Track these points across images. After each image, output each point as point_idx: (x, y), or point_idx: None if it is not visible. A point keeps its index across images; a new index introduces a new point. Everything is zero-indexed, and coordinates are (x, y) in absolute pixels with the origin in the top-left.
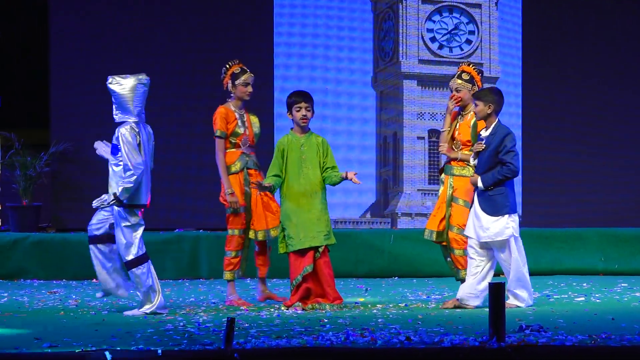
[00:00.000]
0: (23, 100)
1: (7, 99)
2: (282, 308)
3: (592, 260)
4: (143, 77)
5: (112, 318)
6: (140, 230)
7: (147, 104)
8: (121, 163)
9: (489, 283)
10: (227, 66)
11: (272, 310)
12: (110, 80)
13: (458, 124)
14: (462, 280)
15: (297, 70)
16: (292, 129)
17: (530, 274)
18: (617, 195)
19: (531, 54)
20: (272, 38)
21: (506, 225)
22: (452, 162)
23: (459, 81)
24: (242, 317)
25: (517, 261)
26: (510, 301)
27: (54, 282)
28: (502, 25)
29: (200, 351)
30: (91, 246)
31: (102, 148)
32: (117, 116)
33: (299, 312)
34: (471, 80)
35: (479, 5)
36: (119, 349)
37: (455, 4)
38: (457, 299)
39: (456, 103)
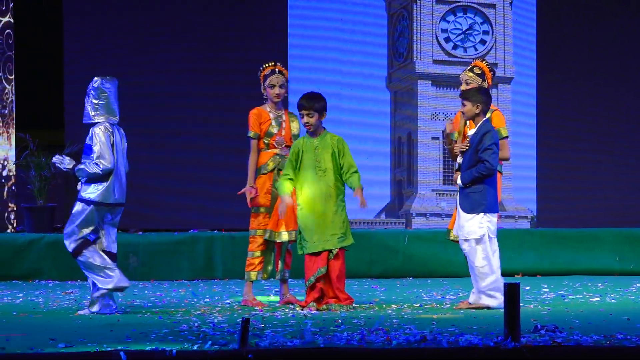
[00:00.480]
0: (38, 101)
1: (22, 100)
2: (297, 309)
3: (607, 260)
4: (115, 79)
5: (126, 318)
6: (91, 228)
7: (162, 104)
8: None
9: (505, 283)
10: (262, 68)
11: (286, 310)
12: (100, 81)
13: (468, 122)
14: None
15: (310, 73)
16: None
17: (546, 274)
18: (633, 196)
19: (545, 54)
20: (286, 39)
21: (480, 224)
22: None
23: (470, 74)
24: (257, 318)
25: (478, 268)
26: (483, 300)
27: (69, 282)
28: (517, 26)
29: (214, 351)
30: (85, 252)
31: (60, 163)
32: (96, 116)
33: (314, 312)
34: (482, 75)
35: (493, 6)
36: (133, 349)
37: (469, 4)
38: (469, 302)
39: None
